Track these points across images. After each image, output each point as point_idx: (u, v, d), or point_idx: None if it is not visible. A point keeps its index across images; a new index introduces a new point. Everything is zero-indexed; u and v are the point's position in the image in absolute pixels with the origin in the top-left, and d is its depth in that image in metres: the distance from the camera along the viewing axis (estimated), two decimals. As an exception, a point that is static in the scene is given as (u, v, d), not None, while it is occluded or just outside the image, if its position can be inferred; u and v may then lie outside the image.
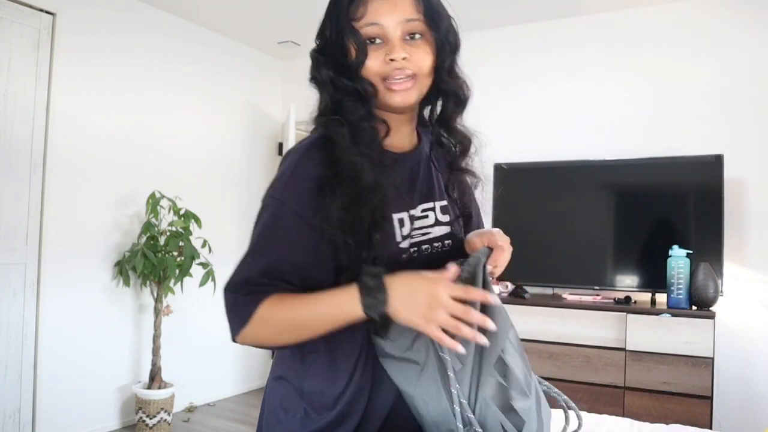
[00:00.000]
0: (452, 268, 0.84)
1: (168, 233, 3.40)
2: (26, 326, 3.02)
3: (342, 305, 0.84)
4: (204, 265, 3.39)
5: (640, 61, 3.42)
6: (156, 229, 3.38)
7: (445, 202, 1.01)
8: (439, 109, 1.02)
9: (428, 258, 0.96)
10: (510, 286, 3.34)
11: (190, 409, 3.78)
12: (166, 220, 3.45)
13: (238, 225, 4.11)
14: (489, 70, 3.88)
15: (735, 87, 3.19)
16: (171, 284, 3.37)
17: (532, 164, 3.49)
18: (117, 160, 3.42)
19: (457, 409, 0.84)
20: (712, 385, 2.72)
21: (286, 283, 0.87)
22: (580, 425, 1.02)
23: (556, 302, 3.12)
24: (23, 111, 3.01)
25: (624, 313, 2.90)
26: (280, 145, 4.56)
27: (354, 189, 0.86)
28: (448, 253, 0.98)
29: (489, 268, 0.92)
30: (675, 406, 2.75)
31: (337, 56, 0.91)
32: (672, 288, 2.87)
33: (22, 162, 3.00)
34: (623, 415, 2.77)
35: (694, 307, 2.85)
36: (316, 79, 0.95)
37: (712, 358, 2.72)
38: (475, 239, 0.95)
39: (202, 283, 3.34)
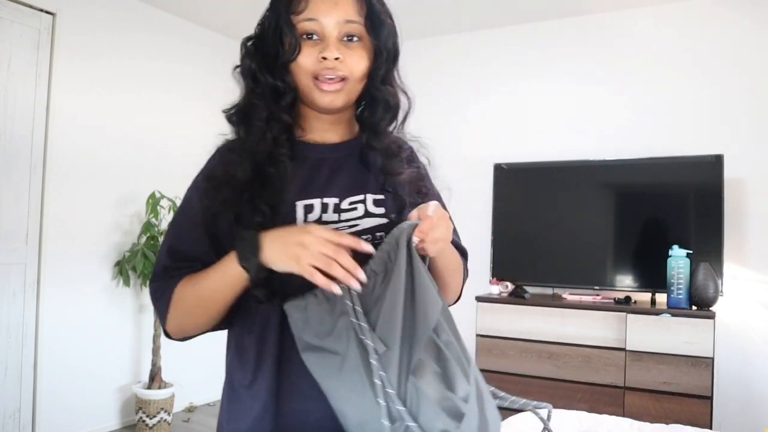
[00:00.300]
0: (363, 243, 0.82)
1: (168, 233, 3.40)
2: (26, 326, 3.02)
3: (226, 267, 0.85)
4: (204, 265, 3.39)
5: (640, 61, 3.42)
6: (156, 229, 3.38)
7: (381, 196, 0.96)
8: (367, 113, 0.99)
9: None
10: (510, 286, 3.34)
11: (190, 409, 3.78)
12: (166, 220, 3.45)
13: (238, 225, 4.10)
14: (489, 70, 3.88)
15: (735, 87, 3.19)
16: (171, 284, 3.37)
17: (532, 164, 3.49)
18: (117, 160, 3.42)
19: (382, 403, 0.76)
20: (712, 385, 2.72)
21: (192, 265, 0.91)
22: (547, 420, 0.94)
23: (556, 302, 3.12)
24: (23, 111, 3.01)
25: (624, 313, 2.90)
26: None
27: (231, 185, 0.88)
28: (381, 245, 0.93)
29: (415, 239, 0.84)
30: (675, 406, 2.75)
31: (270, 47, 0.91)
32: (672, 288, 2.87)
33: (22, 162, 3.00)
34: (623, 415, 2.77)
35: (694, 307, 2.86)
36: (240, 68, 0.95)
37: (712, 358, 2.72)
38: (413, 213, 0.87)
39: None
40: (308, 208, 0.92)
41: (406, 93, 1.00)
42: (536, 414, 0.95)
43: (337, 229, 0.90)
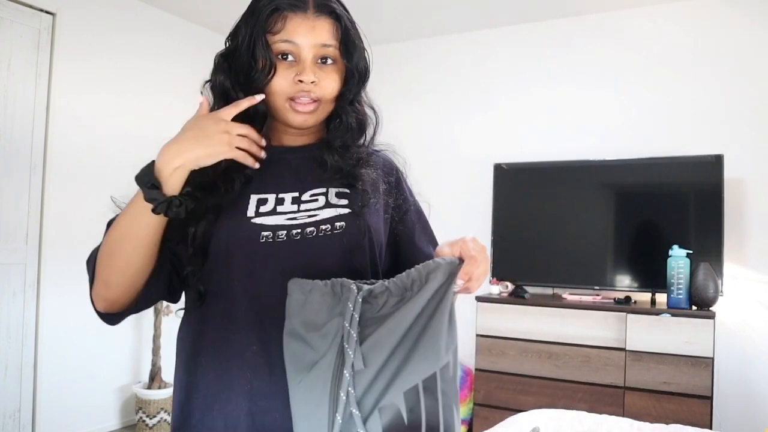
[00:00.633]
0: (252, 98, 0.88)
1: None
2: (26, 326, 3.02)
3: (132, 205, 0.87)
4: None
5: (640, 61, 3.42)
6: (156, 229, 3.37)
7: (346, 190, 0.95)
8: (330, 131, 1.00)
9: (315, 241, 0.90)
10: (510, 286, 3.34)
11: (190, 409, 3.78)
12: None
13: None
14: (489, 70, 3.87)
15: (735, 87, 3.19)
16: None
17: (532, 164, 3.49)
18: (117, 160, 3.42)
19: (339, 420, 0.72)
20: (712, 385, 2.72)
21: None
22: None
23: (556, 302, 3.12)
24: (23, 111, 3.00)
25: (624, 313, 2.90)
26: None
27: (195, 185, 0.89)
28: (342, 235, 0.91)
29: (460, 283, 0.80)
30: (675, 406, 2.75)
31: (243, 64, 0.92)
32: (672, 288, 2.87)
33: (22, 162, 3.00)
34: (623, 415, 2.77)
35: (694, 307, 2.85)
36: (212, 84, 0.96)
37: (712, 358, 2.72)
38: (445, 249, 0.85)
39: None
40: (261, 201, 0.92)
41: (373, 108, 1.01)
42: None
43: (294, 218, 0.90)
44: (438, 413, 0.76)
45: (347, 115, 0.96)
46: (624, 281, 3.23)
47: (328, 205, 0.93)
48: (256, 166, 0.87)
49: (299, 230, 0.90)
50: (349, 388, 0.73)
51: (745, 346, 3.07)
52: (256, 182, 0.93)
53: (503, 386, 3.13)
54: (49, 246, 3.10)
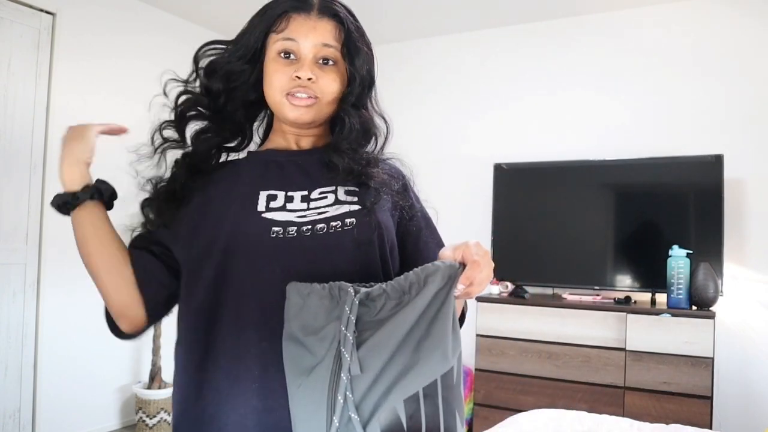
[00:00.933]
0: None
1: (168, 233, 3.40)
2: (26, 326, 3.02)
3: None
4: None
5: (640, 62, 3.42)
6: (156, 229, 3.37)
7: (354, 188, 0.95)
8: (335, 133, 1.00)
9: (325, 237, 0.89)
10: (510, 286, 3.34)
11: (190, 409, 3.78)
12: (166, 220, 3.45)
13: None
14: (489, 70, 3.88)
15: (735, 87, 3.19)
16: (171, 284, 3.37)
17: (532, 164, 3.49)
18: (117, 160, 3.42)
19: (336, 423, 0.71)
20: (712, 385, 2.72)
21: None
22: None
23: (556, 302, 3.12)
24: (23, 111, 3.00)
25: (624, 313, 2.90)
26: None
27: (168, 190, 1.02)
28: (352, 231, 0.91)
29: (461, 287, 0.78)
30: (675, 406, 2.75)
31: (245, 62, 0.96)
32: (672, 288, 2.87)
33: (22, 162, 3.00)
34: (623, 415, 2.77)
35: (694, 307, 2.85)
36: (207, 88, 1.00)
37: (712, 358, 2.72)
38: (447, 252, 0.84)
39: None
40: (271, 197, 0.92)
41: (383, 117, 1.02)
42: None
43: (304, 216, 0.90)
44: (439, 418, 0.75)
45: (350, 118, 0.96)
46: (624, 281, 3.23)
47: (337, 202, 0.93)
48: (125, 128, 0.99)
49: (309, 227, 0.89)
50: (347, 393, 0.73)
51: (745, 346, 3.07)
52: (265, 181, 0.94)
53: (503, 386, 3.13)
54: (49, 246, 3.10)
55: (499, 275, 3.40)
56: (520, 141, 3.70)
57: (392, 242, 0.97)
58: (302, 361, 0.78)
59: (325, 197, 0.93)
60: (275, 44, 0.93)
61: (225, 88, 0.98)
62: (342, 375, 0.73)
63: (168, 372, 3.48)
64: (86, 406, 3.27)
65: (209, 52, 0.99)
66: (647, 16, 3.42)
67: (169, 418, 3.38)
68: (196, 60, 1.00)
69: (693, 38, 3.31)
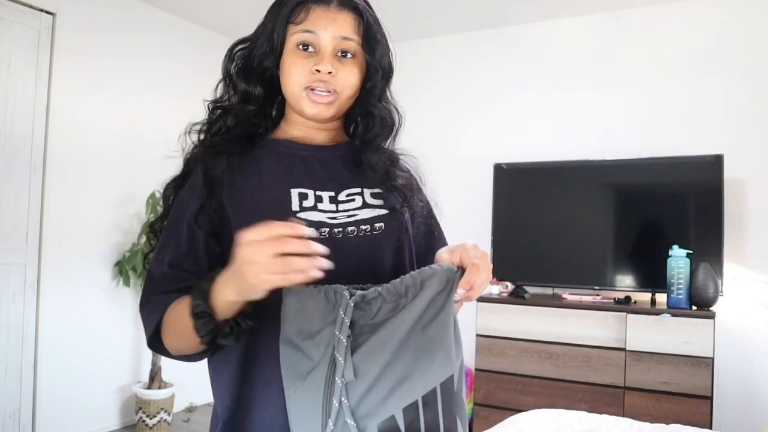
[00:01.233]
0: (299, 227, 0.70)
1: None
2: (26, 326, 3.02)
3: (184, 309, 0.80)
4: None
5: (640, 61, 3.42)
6: (156, 229, 3.37)
7: (378, 190, 0.96)
8: (361, 128, 1.00)
9: (357, 241, 0.90)
10: (510, 286, 3.34)
11: (190, 409, 3.78)
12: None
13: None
14: (489, 70, 3.87)
15: (735, 87, 3.19)
16: (171, 284, 3.37)
17: (532, 164, 3.49)
18: (117, 160, 3.42)
19: (331, 425, 0.70)
20: (712, 385, 2.72)
21: (185, 273, 0.87)
22: None
23: (556, 302, 3.12)
24: (23, 111, 3.00)
25: (624, 313, 2.90)
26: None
27: (192, 184, 0.94)
28: (382, 236, 0.92)
29: (461, 291, 0.77)
30: (675, 406, 2.75)
31: (264, 54, 0.94)
32: (672, 288, 2.87)
33: (22, 162, 3.00)
34: (623, 415, 2.77)
35: (694, 307, 2.85)
36: (227, 72, 0.98)
37: (712, 358, 2.72)
38: (444, 255, 0.83)
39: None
40: (302, 196, 0.91)
41: (397, 110, 1.02)
42: None
43: (334, 218, 0.90)
44: (438, 423, 0.74)
45: (378, 110, 0.97)
46: (624, 281, 3.23)
47: (365, 205, 0.94)
48: (318, 274, 0.71)
49: (341, 229, 0.90)
50: (342, 398, 0.71)
51: (745, 346, 3.07)
52: (293, 178, 0.92)
53: (503, 386, 3.13)
54: (49, 246, 3.10)
55: (499, 275, 3.40)
56: (520, 141, 3.70)
57: (419, 245, 0.99)
58: (299, 365, 0.77)
59: (353, 199, 0.94)
60: (293, 36, 0.91)
61: (264, 89, 0.97)
62: (337, 379, 0.72)
63: (168, 372, 3.48)
64: (86, 406, 3.27)
65: (238, 53, 0.97)
66: (646, 16, 3.42)
67: (169, 418, 3.39)
68: (227, 71, 0.98)
69: (693, 38, 3.31)
